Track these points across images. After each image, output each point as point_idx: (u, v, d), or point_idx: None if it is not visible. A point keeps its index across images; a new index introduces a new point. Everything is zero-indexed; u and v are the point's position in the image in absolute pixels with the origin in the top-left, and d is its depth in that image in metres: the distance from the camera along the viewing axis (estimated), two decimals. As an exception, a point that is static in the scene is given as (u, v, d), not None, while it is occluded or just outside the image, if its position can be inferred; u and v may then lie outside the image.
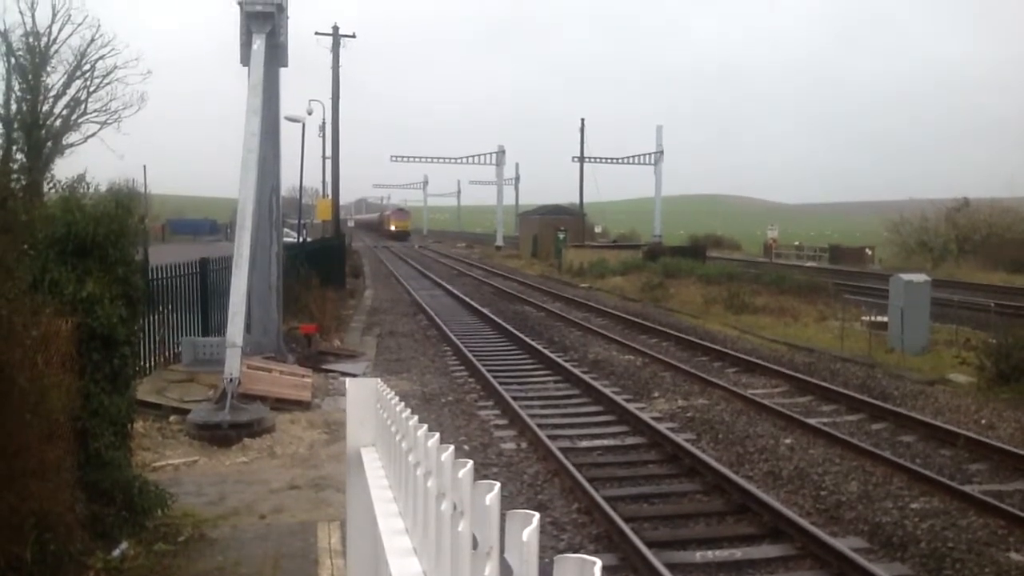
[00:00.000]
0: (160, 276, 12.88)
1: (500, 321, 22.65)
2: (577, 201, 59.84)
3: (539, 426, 11.25)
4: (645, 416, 11.90)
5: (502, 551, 1.13)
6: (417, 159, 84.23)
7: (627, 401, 13.03)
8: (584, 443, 11.02)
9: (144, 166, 72.90)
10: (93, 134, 48.02)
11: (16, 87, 44.08)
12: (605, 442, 11.09)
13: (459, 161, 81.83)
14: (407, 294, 32.28)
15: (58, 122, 46.51)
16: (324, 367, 15.24)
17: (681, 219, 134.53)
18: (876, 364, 16.58)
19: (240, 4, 14.81)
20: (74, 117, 47.36)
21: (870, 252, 53.27)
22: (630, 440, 11.17)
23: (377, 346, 19.12)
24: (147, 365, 12.08)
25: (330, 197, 42.23)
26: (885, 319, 18.89)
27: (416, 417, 2.00)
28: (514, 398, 13.01)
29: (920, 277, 18.66)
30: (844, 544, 7.23)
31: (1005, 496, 8.76)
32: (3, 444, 4.83)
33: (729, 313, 25.14)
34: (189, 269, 14.49)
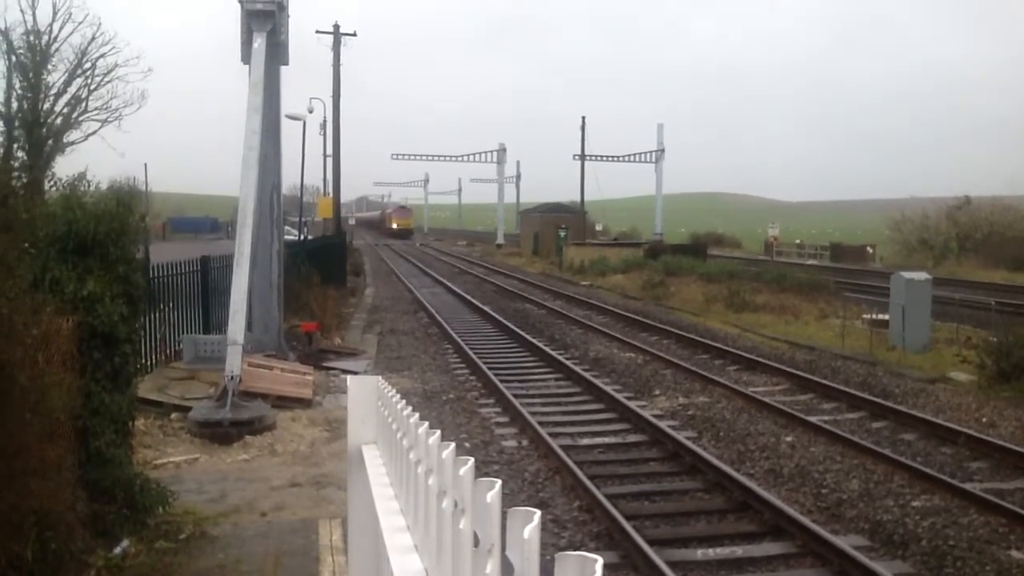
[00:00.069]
0: (161, 274, 12.88)
1: (501, 319, 22.65)
2: (578, 199, 59.75)
3: (540, 424, 11.25)
4: (646, 414, 11.90)
5: (503, 549, 1.13)
6: (418, 157, 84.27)
7: (628, 399, 13.04)
8: (585, 441, 11.03)
9: (145, 164, 73.07)
10: (94, 132, 48.17)
11: (17, 85, 44.19)
12: (606, 440, 11.09)
13: (460, 159, 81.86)
14: (408, 292, 32.29)
15: (59, 120, 46.57)
16: (325, 365, 15.24)
17: (682, 217, 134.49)
18: (877, 362, 16.58)
19: (241, 2, 14.80)
20: (75, 115, 47.45)
21: (871, 250, 53.27)
22: (631, 438, 11.17)
23: (378, 344, 19.12)
24: (148, 363, 12.08)
25: (331, 195, 42.25)
26: (886, 317, 18.88)
27: (417, 415, 2.00)
28: (515, 396, 13.01)
29: (921, 275, 18.65)
30: (845, 542, 7.23)
31: (1006, 494, 8.75)
32: (4, 443, 4.83)
33: (730, 311, 25.13)
34: (190, 267, 14.49)
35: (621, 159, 65.70)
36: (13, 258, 5.41)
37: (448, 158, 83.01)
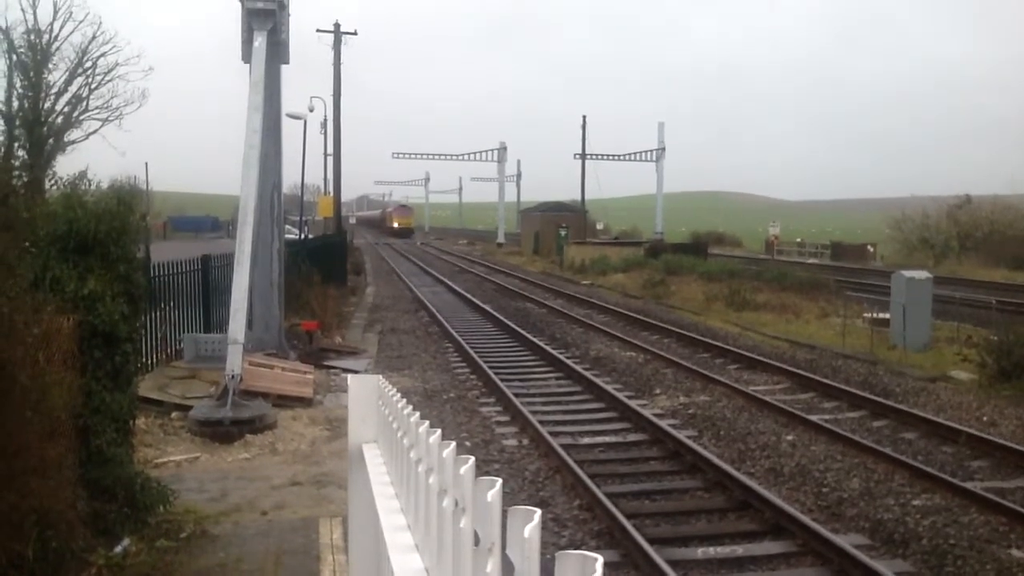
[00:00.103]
0: (162, 273, 12.89)
1: (502, 318, 22.65)
2: (579, 198, 59.74)
3: (541, 423, 11.25)
4: (647, 413, 11.90)
5: (504, 547, 1.13)
6: (418, 156, 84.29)
7: (629, 398, 13.04)
8: (586, 440, 11.03)
9: (146, 163, 72.96)
10: (95, 131, 48.15)
11: (18, 84, 44.19)
12: (607, 439, 11.09)
13: (461, 158, 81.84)
14: (408, 291, 32.29)
15: (60, 119, 46.57)
16: (326, 364, 15.24)
17: (683, 216, 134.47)
18: (878, 361, 16.57)
19: (241, 1, 14.81)
20: (76, 114, 47.45)
21: (872, 249, 53.28)
22: (632, 437, 11.17)
23: (379, 343, 19.12)
24: (149, 362, 12.09)
25: (331, 194, 42.26)
26: (887, 316, 18.88)
27: (418, 413, 2.00)
28: (516, 395, 13.01)
29: (922, 274, 18.64)
30: (846, 541, 7.23)
31: (1007, 493, 8.75)
32: (4, 442, 4.83)
33: (731, 310, 25.13)
34: (191, 266, 14.51)
35: (622, 158, 65.67)
36: (14, 257, 5.41)
37: (449, 157, 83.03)
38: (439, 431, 1.70)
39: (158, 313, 12.58)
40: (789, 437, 11.07)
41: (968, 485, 8.86)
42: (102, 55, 47.16)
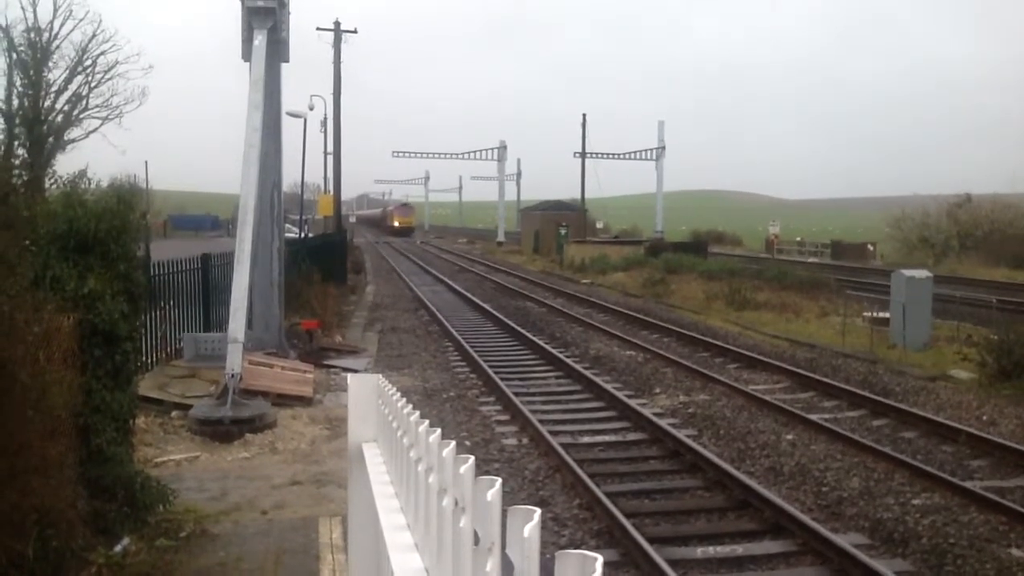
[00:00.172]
0: (162, 272, 12.89)
1: (502, 317, 22.65)
2: (579, 197, 59.71)
3: (540, 422, 11.25)
4: (647, 412, 11.90)
5: (503, 547, 1.13)
6: (419, 155, 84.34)
7: (629, 397, 13.04)
8: (586, 439, 11.03)
9: (146, 162, 72.80)
10: (95, 130, 48.15)
11: (18, 82, 44.15)
12: (607, 438, 11.09)
13: (461, 157, 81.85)
14: (408, 290, 32.29)
15: (59, 118, 46.55)
16: (325, 363, 15.24)
17: (683, 215, 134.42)
18: (878, 360, 16.57)
19: (242, 0, 14.80)
20: (75, 112, 47.43)
21: (872, 248, 53.27)
22: (631, 436, 11.17)
23: (379, 342, 19.12)
24: (149, 361, 12.09)
25: (331, 192, 42.24)
26: (887, 315, 18.88)
27: (417, 413, 2.00)
28: (516, 394, 13.01)
29: (922, 273, 18.64)
30: (845, 540, 7.23)
31: (1006, 492, 8.76)
32: (5, 441, 4.84)
33: (731, 309, 25.13)
34: (191, 265, 14.50)
35: (622, 157, 65.66)
36: (14, 256, 5.41)
37: (449, 156, 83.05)
38: (439, 430, 1.70)
39: (158, 312, 12.58)
40: (789, 436, 11.08)
41: (968, 484, 8.86)
42: (102, 53, 47.21)
